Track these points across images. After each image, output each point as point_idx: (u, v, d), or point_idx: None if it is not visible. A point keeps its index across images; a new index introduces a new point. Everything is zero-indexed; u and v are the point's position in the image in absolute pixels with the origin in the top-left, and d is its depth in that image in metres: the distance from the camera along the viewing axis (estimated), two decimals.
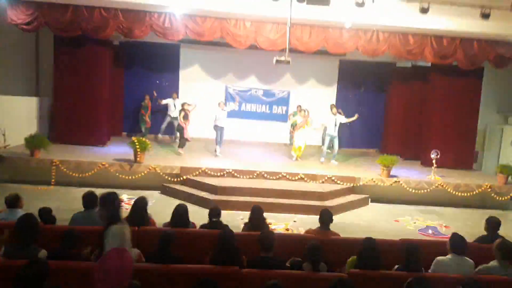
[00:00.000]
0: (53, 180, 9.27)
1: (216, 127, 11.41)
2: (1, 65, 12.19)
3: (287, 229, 7.53)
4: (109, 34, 10.63)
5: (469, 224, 8.53)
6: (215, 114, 11.43)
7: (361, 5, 8.64)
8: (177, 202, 7.23)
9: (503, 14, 8.95)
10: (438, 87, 12.07)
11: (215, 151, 11.37)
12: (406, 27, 10.13)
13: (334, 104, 12.39)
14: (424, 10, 8.77)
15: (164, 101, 13.21)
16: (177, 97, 13.42)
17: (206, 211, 5.54)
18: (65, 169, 9.27)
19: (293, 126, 12.15)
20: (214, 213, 5.36)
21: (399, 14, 9.62)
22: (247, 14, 9.96)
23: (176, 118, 12.67)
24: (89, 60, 11.30)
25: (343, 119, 11.43)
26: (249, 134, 14.30)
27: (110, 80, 11.97)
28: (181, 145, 11.29)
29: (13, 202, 5.15)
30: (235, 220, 7.38)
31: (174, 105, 13.16)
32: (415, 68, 13.21)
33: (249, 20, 10.36)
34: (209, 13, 10.14)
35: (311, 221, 7.40)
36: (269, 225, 6.61)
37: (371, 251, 4.25)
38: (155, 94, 13.35)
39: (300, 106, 12.89)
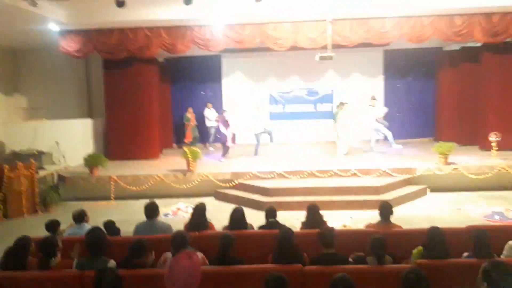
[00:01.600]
0: (112, 195, 9.68)
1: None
2: (56, 91, 13.06)
3: (344, 226, 7.38)
4: (154, 52, 11.04)
5: None
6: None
7: None
8: (231, 206, 7.32)
9: None
10: (492, 67, 11.45)
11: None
12: (451, 9, 9.71)
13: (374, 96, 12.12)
14: None
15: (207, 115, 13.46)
16: (212, 107, 13.60)
17: (261, 213, 5.58)
18: (123, 184, 9.67)
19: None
20: (271, 214, 5.37)
21: None
22: (285, 16, 9.96)
23: (213, 127, 12.92)
24: (137, 78, 11.80)
25: (380, 110, 11.16)
26: (296, 135, 14.25)
27: (158, 95, 12.42)
28: (224, 153, 11.45)
29: (80, 217, 5.43)
30: (291, 220, 7.32)
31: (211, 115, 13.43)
32: (464, 50, 12.57)
33: (287, 21, 10.35)
34: (248, 20, 10.27)
35: (368, 217, 7.23)
36: (326, 223, 6.55)
37: (437, 240, 4.08)
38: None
39: (341, 102, 12.70)
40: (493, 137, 9.93)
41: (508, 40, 10.55)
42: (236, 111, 12.35)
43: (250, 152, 11.92)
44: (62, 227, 5.44)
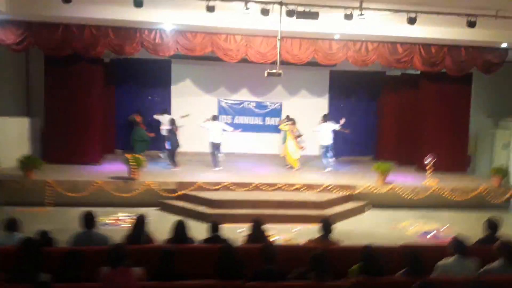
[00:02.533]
0: (48, 201, 9.15)
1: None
2: None
3: (288, 240, 7.49)
4: (100, 52, 10.63)
5: (467, 227, 8.48)
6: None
7: (349, 17, 8.77)
8: (175, 217, 7.17)
9: (489, 22, 9.13)
10: (429, 94, 12.27)
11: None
12: (394, 37, 10.31)
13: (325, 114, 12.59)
14: (411, 21, 8.90)
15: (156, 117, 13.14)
16: (166, 113, 13.31)
17: (205, 225, 5.51)
18: (59, 189, 9.17)
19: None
20: (214, 227, 5.33)
21: (387, 25, 9.78)
22: (237, 29, 10.04)
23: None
24: (80, 78, 11.31)
25: (333, 125, 11.54)
26: (243, 146, 14.31)
27: (101, 98, 11.95)
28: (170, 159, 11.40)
29: (11, 225, 5.07)
30: (235, 233, 7.30)
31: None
32: (405, 76, 13.41)
33: (239, 34, 10.45)
34: (199, 29, 10.22)
35: (311, 231, 7.41)
36: (269, 237, 6.60)
37: (372, 258, 4.26)
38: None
39: (288, 116, 13.02)
40: (428, 160, 10.57)
41: (444, 70, 11.33)
42: (185, 119, 12.16)
43: (195, 161, 11.81)
44: None
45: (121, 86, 13.81)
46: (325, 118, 11.82)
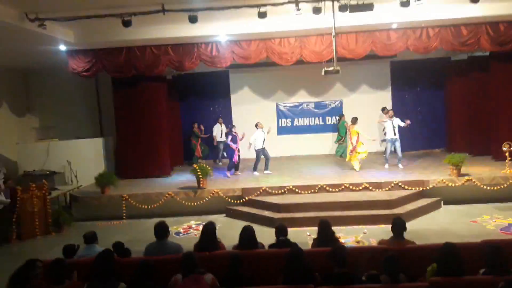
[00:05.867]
0: (124, 214, 9.71)
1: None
2: (67, 111, 13.26)
3: (358, 242, 7.29)
4: (162, 70, 11.16)
5: None
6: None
7: (406, 4, 8.35)
8: (242, 223, 7.30)
9: None
10: (501, 76, 11.34)
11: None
12: (456, 19, 9.69)
13: (386, 107, 12.20)
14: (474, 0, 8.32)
15: (213, 134, 13.51)
16: (222, 122, 13.67)
17: (272, 230, 5.51)
18: (134, 202, 9.69)
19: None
20: (281, 232, 5.31)
21: (448, 7, 9.25)
22: (290, 31, 10.03)
23: (222, 142, 12.98)
24: (146, 96, 11.90)
25: (400, 122, 11.03)
26: (305, 148, 14.22)
27: (167, 113, 12.50)
28: (229, 168, 11.46)
29: (90, 238, 5.44)
30: (302, 236, 7.27)
31: (221, 130, 13.47)
32: (472, 59, 12.50)
33: (292, 36, 10.44)
34: (253, 36, 10.35)
35: (382, 231, 7.18)
36: (339, 239, 6.47)
37: (451, 256, 3.98)
38: (202, 128, 13.67)
39: (343, 115, 12.69)
40: (506, 147, 9.78)
41: None
42: (245, 127, 12.30)
43: (259, 168, 11.88)
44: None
45: (184, 100, 14.42)
46: (390, 113, 11.25)
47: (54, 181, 10.61)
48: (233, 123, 13.03)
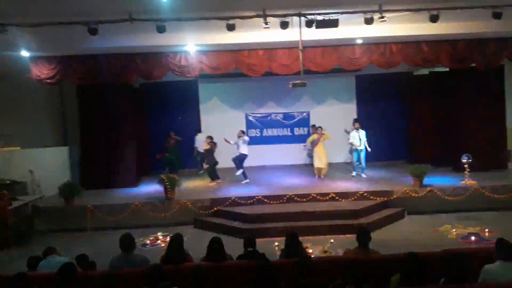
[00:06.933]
0: (89, 226, 9.44)
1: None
2: (30, 119, 12.80)
3: (325, 252, 7.40)
4: (129, 78, 11.02)
5: None
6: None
7: (370, 21, 8.67)
8: (211, 234, 7.27)
9: None
10: (460, 91, 11.93)
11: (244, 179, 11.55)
12: (418, 36, 10.07)
13: (356, 119, 12.53)
14: (433, 18, 8.71)
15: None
16: (199, 132, 13.75)
17: (241, 241, 5.52)
18: (99, 214, 9.46)
19: (312, 144, 12.15)
20: (249, 243, 5.33)
21: (410, 24, 9.60)
22: (259, 43, 10.13)
23: (201, 153, 13.06)
24: (112, 105, 11.71)
25: (364, 136, 11.48)
26: (273, 158, 14.36)
27: (134, 122, 12.33)
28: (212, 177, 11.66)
29: (48, 250, 5.27)
30: (271, 247, 7.32)
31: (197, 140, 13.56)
32: (433, 74, 13.06)
33: (261, 48, 10.54)
34: (222, 47, 10.37)
35: (348, 241, 7.30)
36: (306, 249, 6.55)
37: (414, 266, 4.12)
38: (172, 135, 13.69)
39: (314, 125, 12.98)
40: (465, 159, 10.23)
41: (473, 65, 10.99)
42: (215, 136, 12.31)
43: (230, 178, 11.91)
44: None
45: (152, 109, 14.26)
46: (358, 124, 11.70)
47: (15, 191, 10.19)
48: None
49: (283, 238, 5.50)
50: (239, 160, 11.57)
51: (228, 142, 11.56)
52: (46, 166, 11.21)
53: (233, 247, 5.83)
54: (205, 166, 12.08)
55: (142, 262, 4.99)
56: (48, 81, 10.64)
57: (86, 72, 10.63)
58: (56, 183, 10.19)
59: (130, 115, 12.10)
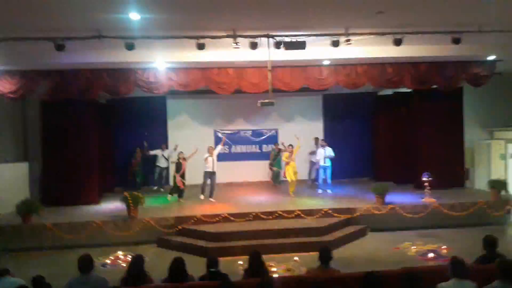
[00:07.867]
0: (47, 245, 9.10)
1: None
2: None
3: (289, 270, 7.42)
4: (95, 94, 10.79)
5: (469, 244, 8.42)
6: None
7: (336, 44, 8.94)
8: (174, 254, 7.13)
9: (473, 37, 9.28)
10: (421, 111, 12.42)
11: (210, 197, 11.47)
12: (382, 58, 10.43)
13: (319, 138, 13.16)
14: (397, 42, 9.06)
15: (152, 152, 13.43)
16: (166, 148, 13.65)
17: (205, 260, 5.46)
18: (58, 232, 9.14)
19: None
20: (212, 264, 5.28)
21: (374, 47, 9.93)
22: (228, 62, 10.20)
23: (165, 169, 12.90)
24: (76, 120, 11.51)
25: (331, 152, 11.76)
26: (241, 175, 14.39)
27: (98, 138, 12.10)
28: (179, 195, 11.58)
29: (3, 272, 5.04)
30: (235, 266, 7.27)
31: (163, 156, 13.40)
32: (397, 95, 13.56)
33: (231, 67, 10.60)
34: (192, 65, 10.37)
35: (312, 259, 7.32)
36: (270, 267, 6.55)
37: (373, 285, 4.21)
38: (146, 144, 13.52)
39: (282, 143, 13.14)
40: (425, 177, 10.58)
41: (435, 87, 11.47)
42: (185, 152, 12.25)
43: (194, 194, 11.81)
44: None
45: (118, 125, 14.04)
46: (322, 142, 11.98)
47: None
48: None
49: (248, 257, 5.49)
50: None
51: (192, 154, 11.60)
52: (4, 183, 10.78)
53: (197, 267, 5.75)
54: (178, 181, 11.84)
55: (101, 283, 4.86)
56: (10, 95, 10.23)
57: (51, 88, 10.31)
58: (15, 200, 9.77)
59: (95, 131, 11.86)
